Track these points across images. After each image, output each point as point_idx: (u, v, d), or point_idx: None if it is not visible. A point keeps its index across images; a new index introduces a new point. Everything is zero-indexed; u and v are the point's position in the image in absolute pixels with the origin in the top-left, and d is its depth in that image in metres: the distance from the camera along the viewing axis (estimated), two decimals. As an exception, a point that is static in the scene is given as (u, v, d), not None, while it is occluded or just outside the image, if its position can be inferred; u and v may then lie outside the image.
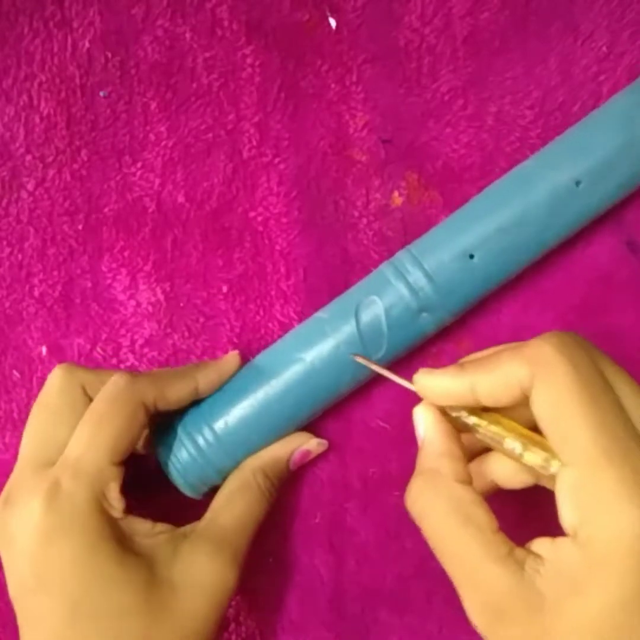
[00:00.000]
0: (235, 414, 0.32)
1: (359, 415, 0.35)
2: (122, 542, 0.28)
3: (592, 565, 0.21)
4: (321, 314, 0.33)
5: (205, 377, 0.32)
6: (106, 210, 0.37)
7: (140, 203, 0.37)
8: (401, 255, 0.32)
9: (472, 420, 0.26)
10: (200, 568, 0.29)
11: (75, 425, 0.29)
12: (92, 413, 0.29)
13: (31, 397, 0.37)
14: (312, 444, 0.34)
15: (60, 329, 0.37)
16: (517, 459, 0.25)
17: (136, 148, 0.37)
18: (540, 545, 0.23)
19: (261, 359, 0.33)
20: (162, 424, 0.33)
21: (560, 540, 0.22)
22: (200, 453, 0.32)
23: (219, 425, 0.32)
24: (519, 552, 0.23)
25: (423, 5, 0.35)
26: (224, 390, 0.33)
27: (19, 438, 0.37)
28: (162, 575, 0.29)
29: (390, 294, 0.31)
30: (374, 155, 0.36)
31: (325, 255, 0.36)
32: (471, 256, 0.31)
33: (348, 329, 0.32)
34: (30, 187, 0.37)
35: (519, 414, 0.26)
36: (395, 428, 0.35)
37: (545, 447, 0.25)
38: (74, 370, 0.31)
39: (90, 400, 0.30)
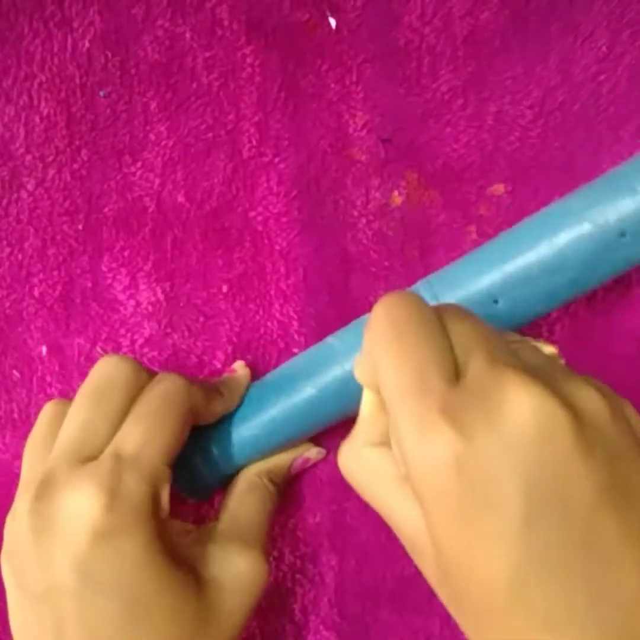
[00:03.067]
0: (241, 435, 0.33)
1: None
2: (169, 543, 0.28)
3: (419, 502, 0.22)
4: (334, 341, 0.32)
5: (236, 398, 0.33)
6: (106, 210, 0.37)
7: (140, 203, 0.37)
8: (421, 289, 0.31)
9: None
10: (237, 566, 0.29)
11: (120, 420, 0.29)
12: (146, 409, 0.29)
13: (31, 397, 0.37)
14: (312, 453, 0.35)
15: (60, 329, 0.37)
16: None
17: (136, 148, 0.37)
18: None
19: (270, 382, 0.33)
20: None
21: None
22: (204, 467, 0.33)
23: (225, 445, 0.33)
24: None
25: (423, 5, 0.35)
26: (232, 411, 0.33)
27: (19, 438, 0.37)
28: (203, 575, 0.28)
29: None
30: (374, 154, 0.36)
31: (324, 255, 0.36)
32: (496, 301, 0.29)
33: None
34: (30, 187, 0.37)
35: None
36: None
37: None
38: (141, 369, 0.30)
39: (135, 397, 0.29)
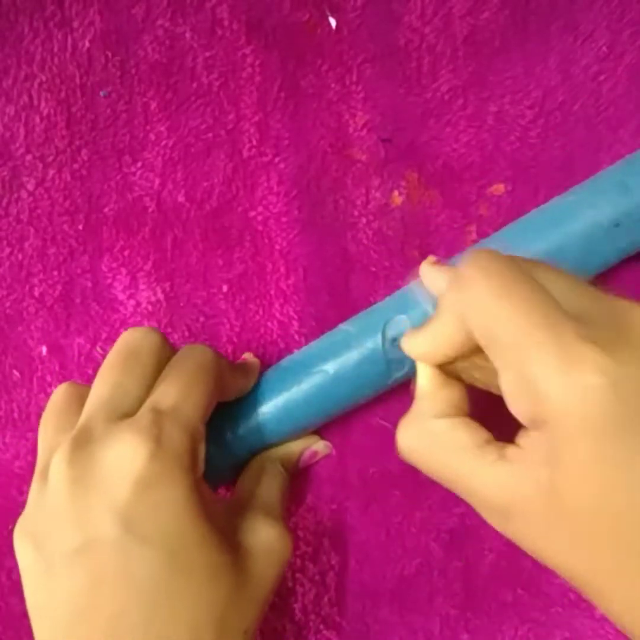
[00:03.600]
0: (255, 419, 0.33)
1: (359, 413, 0.35)
2: (204, 502, 0.27)
3: (555, 443, 0.21)
4: (347, 327, 0.33)
5: (253, 378, 0.33)
6: (106, 210, 0.37)
7: (140, 203, 0.37)
8: None
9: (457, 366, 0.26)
10: (267, 534, 0.29)
11: (150, 384, 0.29)
12: (180, 371, 0.29)
13: (31, 397, 0.37)
14: (320, 446, 0.35)
15: (60, 329, 0.37)
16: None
17: (136, 148, 0.37)
18: (520, 437, 0.23)
19: (284, 366, 0.34)
20: None
21: (528, 430, 0.23)
22: (217, 452, 0.33)
23: (239, 429, 0.33)
24: (509, 450, 0.23)
25: (423, 5, 0.35)
26: (250, 392, 0.33)
27: (19, 438, 0.37)
28: (234, 540, 0.28)
29: (419, 315, 0.31)
30: (374, 154, 0.36)
31: (324, 255, 0.36)
32: None
33: (373, 345, 0.31)
34: (30, 187, 0.37)
35: None
36: (395, 426, 0.35)
37: None
38: (152, 331, 0.30)
39: (162, 364, 0.30)
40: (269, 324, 0.36)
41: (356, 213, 0.36)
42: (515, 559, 0.34)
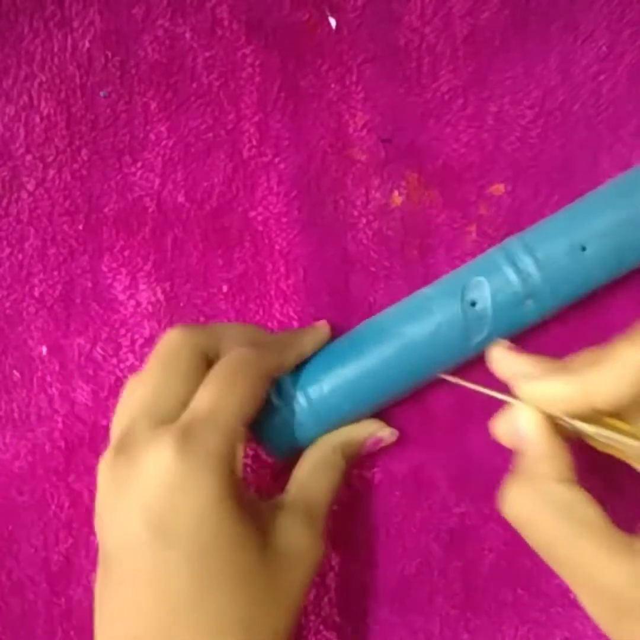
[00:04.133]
0: (331, 382, 0.32)
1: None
2: (240, 503, 0.27)
3: None
4: (427, 290, 0.33)
5: (310, 344, 0.33)
6: (106, 210, 0.37)
7: (140, 203, 0.37)
8: (512, 242, 0.32)
9: (588, 428, 0.24)
10: (300, 538, 0.29)
11: (194, 386, 0.29)
12: (219, 376, 0.29)
13: (31, 397, 0.37)
14: (386, 433, 0.34)
15: (60, 329, 0.37)
16: (629, 463, 0.24)
17: (136, 148, 0.37)
18: None
19: (361, 329, 0.33)
20: None
21: None
22: (292, 417, 0.32)
23: (314, 391, 0.32)
24: (638, 542, 0.22)
25: (423, 5, 0.35)
26: (321, 357, 0.33)
27: (19, 438, 0.37)
28: (270, 541, 0.28)
29: (498, 278, 0.31)
30: (374, 154, 0.36)
31: (324, 255, 0.36)
32: (583, 248, 0.31)
33: (453, 308, 0.31)
34: (30, 187, 0.37)
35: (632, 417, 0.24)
36: (395, 427, 0.35)
37: None
38: (196, 331, 0.30)
39: (208, 363, 0.30)
40: (269, 324, 0.36)
41: (356, 213, 0.36)
42: (515, 559, 0.34)
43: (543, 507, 0.23)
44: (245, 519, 0.27)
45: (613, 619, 0.22)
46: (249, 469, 0.36)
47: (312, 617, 0.35)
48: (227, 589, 0.26)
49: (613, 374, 0.23)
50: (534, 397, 0.25)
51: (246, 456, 0.36)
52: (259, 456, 0.36)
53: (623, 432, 0.24)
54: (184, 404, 0.29)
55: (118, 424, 0.30)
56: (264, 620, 0.27)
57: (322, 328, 0.34)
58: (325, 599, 0.36)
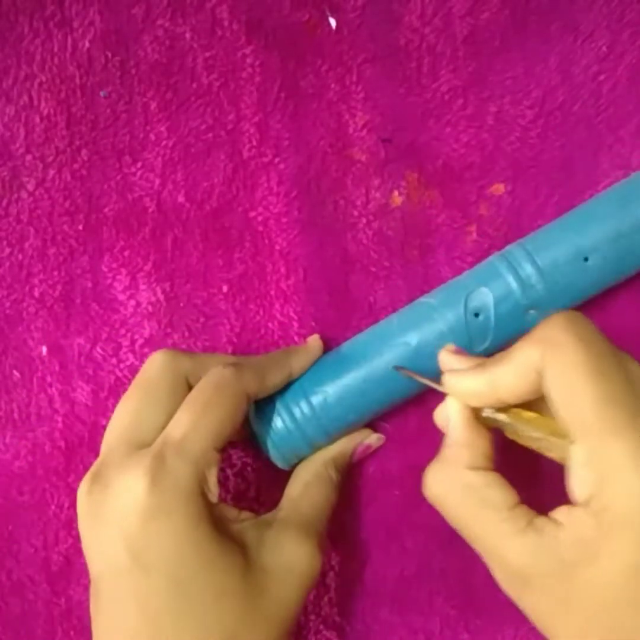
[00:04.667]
0: (334, 391, 0.32)
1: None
2: (217, 526, 0.28)
3: (605, 533, 0.22)
4: (429, 299, 0.33)
5: (298, 363, 0.33)
6: (106, 210, 0.37)
7: (140, 203, 0.37)
8: (514, 250, 0.32)
9: (498, 416, 0.26)
10: (290, 553, 0.29)
11: (173, 411, 0.29)
12: (195, 399, 0.29)
13: (31, 397, 0.37)
14: (372, 439, 0.35)
15: (60, 329, 0.37)
16: (540, 452, 0.26)
17: (136, 148, 0.37)
18: (560, 512, 0.23)
19: (365, 338, 0.33)
20: (257, 401, 0.33)
21: (576, 508, 0.23)
22: (296, 426, 0.33)
23: (318, 400, 0.33)
24: (539, 520, 0.23)
25: (423, 5, 0.35)
26: (324, 367, 0.33)
27: (19, 438, 0.37)
28: (254, 560, 0.28)
29: (501, 287, 0.31)
30: (374, 154, 0.36)
31: (325, 255, 0.36)
32: (586, 259, 0.31)
33: (456, 317, 0.32)
34: (30, 187, 0.37)
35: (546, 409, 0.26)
36: (395, 427, 0.35)
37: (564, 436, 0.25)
38: (178, 357, 0.31)
39: (190, 388, 0.30)
40: (269, 324, 0.36)
41: (356, 213, 0.36)
42: (515, 559, 0.34)
43: (454, 490, 0.25)
44: (223, 540, 0.28)
45: (517, 589, 0.24)
46: (250, 468, 0.36)
47: (312, 617, 0.36)
48: (210, 608, 0.27)
49: (511, 370, 0.25)
50: (453, 391, 0.27)
51: (247, 456, 0.36)
52: (260, 456, 0.36)
53: (536, 424, 0.26)
54: (162, 428, 0.29)
55: (102, 447, 0.31)
56: (249, 637, 0.27)
57: (312, 346, 0.34)
58: (325, 599, 0.36)
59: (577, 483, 0.23)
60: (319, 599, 0.36)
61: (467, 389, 0.26)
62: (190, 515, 0.27)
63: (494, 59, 0.35)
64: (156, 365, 0.30)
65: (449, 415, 0.27)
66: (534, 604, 0.24)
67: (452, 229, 0.35)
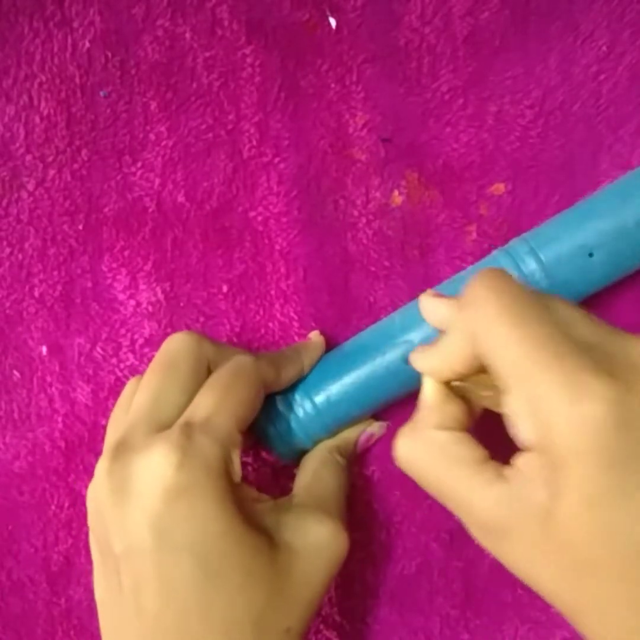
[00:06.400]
0: (337, 390, 0.33)
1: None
2: (241, 506, 0.28)
3: (559, 471, 0.21)
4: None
5: (309, 360, 0.33)
6: (106, 210, 0.37)
7: (140, 203, 0.37)
8: (517, 245, 0.32)
9: (458, 384, 0.27)
10: (316, 533, 0.29)
11: (194, 393, 0.29)
12: (217, 382, 0.29)
13: (31, 397, 0.37)
14: (374, 428, 0.35)
15: (60, 329, 0.37)
16: (498, 411, 0.26)
17: (136, 148, 0.37)
18: (519, 457, 0.23)
19: (367, 337, 0.34)
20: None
21: (529, 453, 0.23)
22: (299, 425, 0.33)
23: (321, 399, 0.33)
24: (508, 471, 0.23)
25: (423, 5, 0.35)
26: (327, 365, 0.34)
27: (19, 438, 0.37)
28: (278, 540, 0.28)
29: None
30: (374, 154, 0.36)
31: (325, 255, 0.36)
32: (591, 254, 0.31)
33: None
34: (30, 187, 0.37)
35: None
36: (395, 426, 0.35)
37: None
38: (202, 341, 0.31)
39: (210, 374, 0.30)
40: (269, 324, 0.36)
41: (356, 213, 0.36)
42: (516, 559, 0.34)
43: (423, 450, 0.26)
44: (248, 520, 0.27)
45: (494, 541, 0.24)
46: (250, 468, 0.36)
47: (314, 616, 0.35)
48: (236, 589, 0.26)
49: (453, 340, 0.25)
50: (420, 370, 0.27)
51: (247, 456, 0.36)
52: (260, 456, 0.36)
53: (485, 382, 0.26)
54: (183, 409, 0.29)
55: (114, 428, 0.31)
56: (276, 618, 0.27)
57: (316, 342, 0.34)
58: (326, 598, 0.36)
59: (520, 429, 0.23)
60: (319, 598, 0.36)
61: (428, 367, 0.27)
62: (217, 495, 0.27)
63: (494, 59, 0.35)
64: (180, 346, 0.30)
65: (423, 386, 0.27)
66: (512, 554, 0.23)
67: (452, 229, 0.35)
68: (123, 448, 0.28)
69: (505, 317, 0.23)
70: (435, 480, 0.25)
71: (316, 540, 0.29)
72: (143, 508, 0.26)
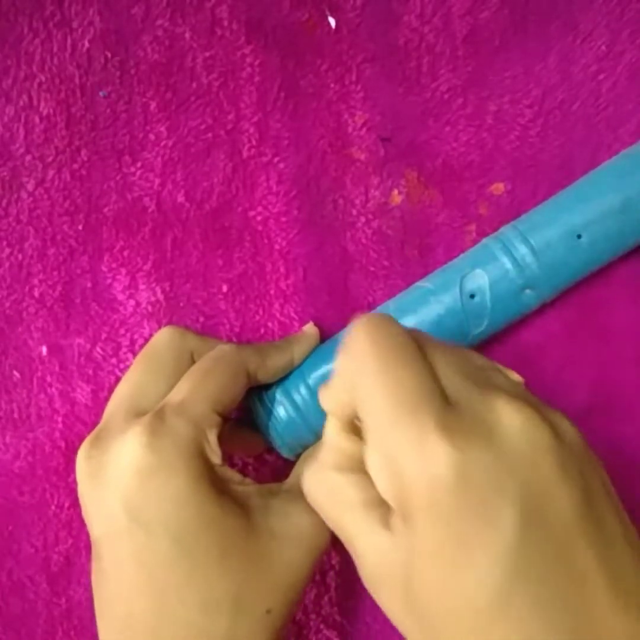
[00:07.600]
0: (332, 372, 0.33)
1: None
2: (219, 487, 0.28)
3: (411, 527, 0.21)
4: (425, 284, 0.33)
5: (299, 350, 0.34)
6: (106, 210, 0.37)
7: (140, 203, 0.37)
8: (508, 231, 0.32)
9: (356, 421, 0.26)
10: (299, 520, 0.29)
11: (176, 383, 0.30)
12: (196, 368, 0.30)
13: (31, 397, 0.37)
14: None
15: (60, 329, 0.37)
16: None
17: (136, 148, 0.37)
18: (391, 514, 0.23)
19: None
20: (259, 392, 0.34)
21: (393, 509, 0.23)
22: (298, 412, 0.33)
23: (317, 383, 0.33)
24: (392, 517, 0.23)
25: (422, 5, 0.35)
26: (323, 352, 0.34)
27: (19, 438, 0.37)
28: (259, 523, 0.28)
29: (495, 269, 0.31)
30: (374, 153, 0.36)
31: (324, 255, 0.36)
32: (579, 236, 0.31)
33: (452, 300, 0.32)
34: (30, 187, 0.37)
35: None
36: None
37: None
38: (186, 333, 0.32)
39: (185, 360, 0.31)
40: (269, 324, 0.36)
41: (355, 212, 0.36)
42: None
43: (319, 490, 0.26)
44: (225, 501, 0.28)
45: (373, 588, 0.24)
46: (250, 468, 0.36)
47: (313, 616, 0.35)
48: (214, 568, 0.27)
49: (336, 384, 0.25)
50: (321, 405, 0.27)
51: (246, 463, 0.36)
52: (260, 456, 0.36)
53: None
54: (162, 397, 0.30)
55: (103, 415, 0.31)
56: (255, 599, 0.27)
57: (310, 334, 0.34)
58: (326, 598, 0.35)
59: (377, 485, 0.23)
60: (320, 598, 0.35)
61: (325, 406, 0.26)
62: (190, 474, 0.27)
63: (494, 59, 0.35)
64: (163, 339, 0.31)
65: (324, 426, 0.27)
66: (386, 604, 0.23)
67: (452, 228, 0.35)
68: (101, 434, 0.29)
69: (373, 368, 0.23)
70: (331, 521, 0.25)
71: (297, 528, 0.29)
72: (116, 489, 0.27)
